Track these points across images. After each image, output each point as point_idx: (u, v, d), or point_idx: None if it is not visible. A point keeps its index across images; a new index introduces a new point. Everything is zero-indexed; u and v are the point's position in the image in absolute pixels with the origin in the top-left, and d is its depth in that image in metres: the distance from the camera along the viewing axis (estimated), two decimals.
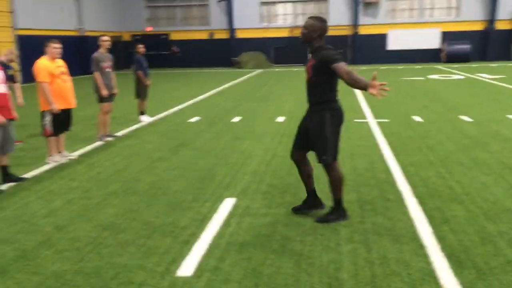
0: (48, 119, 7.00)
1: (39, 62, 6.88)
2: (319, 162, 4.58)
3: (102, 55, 8.71)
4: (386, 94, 3.97)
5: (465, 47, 29.63)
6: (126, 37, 33.67)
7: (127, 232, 4.53)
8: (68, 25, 26.67)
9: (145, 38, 32.26)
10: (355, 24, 31.61)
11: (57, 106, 6.95)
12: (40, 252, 4.14)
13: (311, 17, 4.53)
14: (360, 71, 25.38)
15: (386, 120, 10.12)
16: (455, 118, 10.13)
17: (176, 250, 4.12)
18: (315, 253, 3.97)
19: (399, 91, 15.63)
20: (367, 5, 31.40)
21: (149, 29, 33.79)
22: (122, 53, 32.00)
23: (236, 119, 10.88)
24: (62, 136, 7.42)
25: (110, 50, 8.95)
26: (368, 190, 5.58)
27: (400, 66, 28.47)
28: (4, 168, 6.12)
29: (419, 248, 4.01)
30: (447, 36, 30.78)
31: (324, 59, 4.33)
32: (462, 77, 20.47)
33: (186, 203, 5.32)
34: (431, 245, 4.04)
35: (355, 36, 31.72)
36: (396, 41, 31.68)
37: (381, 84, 3.93)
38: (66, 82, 7.17)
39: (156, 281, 3.58)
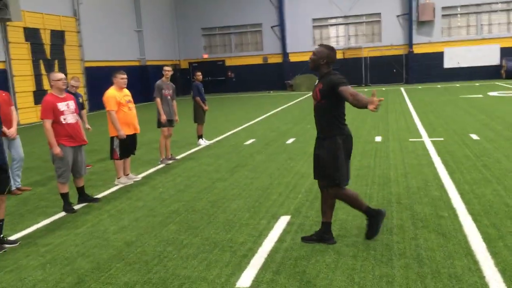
0: (116, 144, 7.59)
1: (108, 92, 7.52)
2: (330, 185, 4.64)
3: (164, 83, 9.30)
4: (377, 110, 4.07)
5: None
6: (184, 64, 35.08)
7: (189, 247, 4.87)
8: (130, 56, 28.23)
9: (202, 65, 33.52)
10: (409, 43, 31.27)
11: (124, 132, 7.52)
12: (112, 265, 4.54)
13: (320, 45, 4.72)
14: (416, 90, 25.01)
15: (441, 139, 10.03)
16: None
17: (235, 263, 4.40)
18: (367, 268, 4.12)
19: (455, 109, 15.35)
20: (422, 23, 31.05)
21: (205, 56, 35.05)
22: (180, 80, 33.39)
23: (290, 140, 11.15)
24: (128, 160, 7.98)
25: (169, 77, 9.53)
26: (422, 207, 5.64)
27: (458, 84, 27.78)
28: (80, 190, 6.70)
29: (473, 263, 4.06)
30: (506, 52, 29.78)
31: (331, 83, 4.49)
32: None
33: (244, 220, 5.61)
34: (484, 260, 4.09)
35: (410, 55, 31.34)
36: (453, 58, 30.99)
37: (379, 100, 4.04)
38: (132, 110, 7.75)
39: None
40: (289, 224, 5.38)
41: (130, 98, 7.77)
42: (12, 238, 5.39)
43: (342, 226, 5.19)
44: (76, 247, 5.07)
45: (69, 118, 6.33)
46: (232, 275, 4.16)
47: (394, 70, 31.89)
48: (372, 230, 4.75)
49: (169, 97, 9.34)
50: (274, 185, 7.15)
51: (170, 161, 9.50)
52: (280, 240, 4.90)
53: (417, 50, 31.30)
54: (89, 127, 9.33)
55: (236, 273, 4.18)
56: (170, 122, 9.41)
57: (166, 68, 9.41)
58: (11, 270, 4.56)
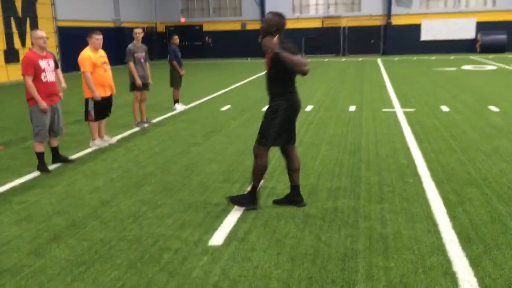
0: (91, 105, 7.56)
1: (83, 53, 7.43)
2: (257, 142, 4.78)
3: (136, 46, 9.20)
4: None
5: (501, 37, 29.05)
6: (161, 28, 34.44)
7: (164, 207, 5.00)
8: (105, 17, 27.52)
9: (179, 29, 32.96)
10: (388, 14, 31.35)
11: (99, 93, 7.49)
12: (88, 222, 4.65)
13: (269, 12, 4.74)
14: (392, 62, 25.28)
15: (412, 110, 10.30)
16: (483, 108, 10.22)
17: (208, 223, 4.56)
18: (334, 228, 4.33)
19: (429, 82, 15.66)
20: None
21: (182, 20, 34.43)
22: (157, 44, 32.83)
23: (266, 107, 11.24)
24: (103, 122, 7.97)
25: (145, 41, 9.43)
26: (389, 174, 5.87)
27: (433, 57, 28.17)
28: (54, 150, 6.71)
29: (432, 226, 4.31)
30: (482, 26, 30.21)
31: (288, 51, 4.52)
32: (495, 67, 20.20)
33: (218, 183, 5.76)
34: (443, 223, 4.35)
35: (388, 27, 31.47)
36: (430, 31, 31.28)
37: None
38: (107, 71, 7.70)
39: (190, 248, 4.02)
40: (261, 187, 5.54)
41: (105, 59, 7.70)
42: None
43: (312, 189, 5.38)
44: (51, 205, 5.14)
45: (49, 76, 6.31)
46: (205, 233, 4.32)
47: (372, 41, 32.03)
48: (236, 198, 4.92)
49: (142, 60, 9.27)
50: (248, 151, 7.25)
51: (146, 124, 9.52)
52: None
53: (395, 21, 31.44)
54: (65, 85, 9.21)
55: (209, 232, 4.34)
56: (144, 86, 9.38)
57: (136, 30, 9.30)
58: None
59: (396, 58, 28.57)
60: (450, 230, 4.21)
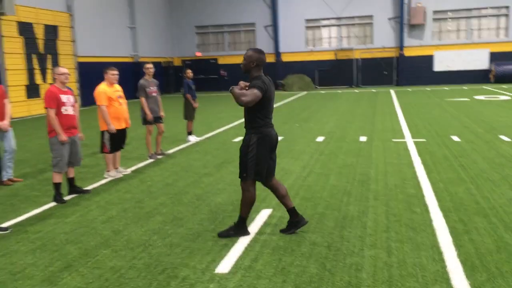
0: (106, 137, 7.81)
1: (99, 87, 7.74)
2: (240, 177, 4.98)
3: (148, 81, 9.50)
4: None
5: None
6: (177, 62, 35.25)
7: (173, 237, 5.12)
8: (123, 52, 28.36)
9: (195, 63, 33.71)
10: (400, 46, 31.68)
11: (114, 126, 7.74)
12: (99, 251, 4.78)
13: (249, 49, 4.97)
14: (406, 92, 25.39)
15: (423, 140, 10.35)
16: (494, 138, 10.23)
17: (216, 251, 4.66)
18: (339, 257, 4.39)
19: (441, 112, 15.71)
20: (413, 27, 31.45)
21: (198, 54, 35.23)
22: (173, 77, 33.56)
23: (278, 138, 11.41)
24: (118, 153, 8.20)
25: (162, 74, 9.74)
26: (396, 204, 5.93)
27: (447, 87, 28.23)
28: (70, 181, 6.93)
29: (437, 254, 4.35)
30: (496, 57, 30.28)
31: (250, 86, 4.77)
32: (509, 98, 20.17)
33: (227, 213, 5.87)
34: (448, 252, 4.38)
35: (401, 58, 31.75)
36: (443, 62, 31.44)
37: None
38: (122, 105, 7.98)
39: (197, 276, 4.12)
40: (270, 217, 5.65)
41: (121, 93, 7.99)
42: (4, 225, 5.60)
43: (320, 219, 5.46)
44: (65, 234, 5.30)
45: (70, 109, 6.60)
46: (213, 261, 4.41)
47: (385, 72, 32.28)
48: (225, 232, 5.06)
49: (154, 94, 9.55)
50: (258, 183, 7.39)
51: (160, 156, 9.74)
52: (260, 232, 5.17)
53: (407, 53, 31.71)
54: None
55: (216, 260, 4.44)
56: (157, 119, 9.63)
57: (147, 65, 9.62)
58: (2, 254, 4.78)
59: (409, 88, 28.69)
60: (455, 258, 4.24)
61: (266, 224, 5.41)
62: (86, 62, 24.35)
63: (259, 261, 4.37)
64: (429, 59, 31.64)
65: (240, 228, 5.04)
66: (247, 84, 4.83)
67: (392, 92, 26.58)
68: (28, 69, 20.70)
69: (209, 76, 34.31)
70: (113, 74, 7.77)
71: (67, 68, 6.95)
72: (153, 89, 9.52)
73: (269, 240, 4.90)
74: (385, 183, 6.97)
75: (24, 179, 8.11)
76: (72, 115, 6.67)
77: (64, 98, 6.55)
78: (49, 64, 21.86)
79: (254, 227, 5.30)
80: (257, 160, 4.85)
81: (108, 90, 7.73)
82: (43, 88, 21.45)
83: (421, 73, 31.52)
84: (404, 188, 6.63)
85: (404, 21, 31.22)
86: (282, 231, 5.12)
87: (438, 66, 31.65)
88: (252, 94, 4.64)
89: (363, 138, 10.98)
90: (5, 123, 7.32)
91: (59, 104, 6.50)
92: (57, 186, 6.65)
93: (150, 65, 9.62)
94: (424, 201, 5.97)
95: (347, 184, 6.98)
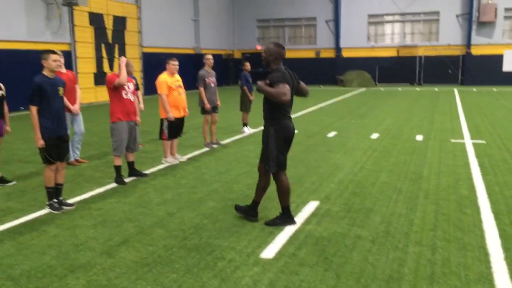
0: (165, 125, 8.20)
1: (160, 77, 8.13)
2: (265, 170, 5.11)
3: (207, 72, 9.81)
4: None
5: None
6: (237, 54, 35.75)
7: (223, 222, 5.36)
8: (186, 44, 29.15)
9: (254, 56, 34.04)
10: (467, 44, 30.42)
11: (173, 114, 8.11)
12: (154, 230, 5.11)
13: (270, 42, 5.09)
14: (470, 93, 24.42)
15: (483, 142, 10.03)
16: None
17: (262, 238, 4.85)
18: (383, 251, 4.45)
19: (506, 114, 15.05)
20: (482, 24, 30.09)
21: (258, 47, 35.55)
22: (233, 69, 34.10)
23: (332, 134, 11.45)
24: (175, 141, 8.58)
25: (222, 66, 10.02)
26: (447, 204, 5.86)
27: None
28: (130, 164, 7.36)
29: (483, 255, 4.31)
30: None
31: (270, 79, 4.91)
32: None
33: (275, 203, 6.01)
34: (495, 254, 4.32)
35: (467, 56, 30.50)
36: None
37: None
38: (181, 94, 8.33)
39: (242, 259, 4.33)
40: (317, 208, 5.77)
41: (180, 83, 8.34)
42: (70, 201, 6.08)
43: (367, 214, 5.51)
44: (124, 213, 5.68)
45: (129, 95, 7.00)
46: (258, 247, 4.61)
47: (449, 71, 31.15)
48: (272, 220, 5.19)
49: (212, 85, 9.85)
50: (309, 174, 7.53)
51: (215, 146, 10.06)
52: (306, 222, 5.30)
53: (475, 51, 30.41)
54: (143, 107, 10.02)
55: (262, 246, 4.63)
56: (213, 109, 9.94)
57: (208, 56, 9.91)
58: (67, 228, 5.21)
59: (474, 89, 27.56)
60: (502, 261, 4.18)
61: (313, 215, 5.53)
62: (150, 52, 25.27)
63: (303, 250, 4.52)
64: (498, 59, 30.19)
65: (286, 217, 5.21)
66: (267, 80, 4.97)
67: (455, 91, 25.65)
68: (96, 57, 21.81)
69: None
70: (174, 64, 8.13)
71: (132, 58, 7.34)
72: (211, 80, 9.83)
73: (314, 230, 5.02)
74: (438, 182, 6.88)
75: (89, 161, 8.68)
76: (131, 101, 7.04)
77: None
78: (116, 53, 22.91)
79: (300, 217, 5.43)
80: (277, 151, 5.02)
81: (169, 80, 8.10)
82: None
83: (488, 73, 30.15)
84: (457, 188, 6.52)
85: (473, 18, 29.94)
86: (266, 222, 5.25)
87: (508, 66, 30.14)
88: (285, 89, 4.78)
89: (419, 137, 10.77)
90: (76, 107, 7.87)
91: (119, 89, 6.89)
92: (117, 168, 7.09)
93: (210, 56, 9.93)
94: (477, 203, 5.86)
95: (397, 182, 6.95)
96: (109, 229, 5.14)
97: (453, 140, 10.32)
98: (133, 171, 7.41)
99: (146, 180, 7.26)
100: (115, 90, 6.86)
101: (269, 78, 4.97)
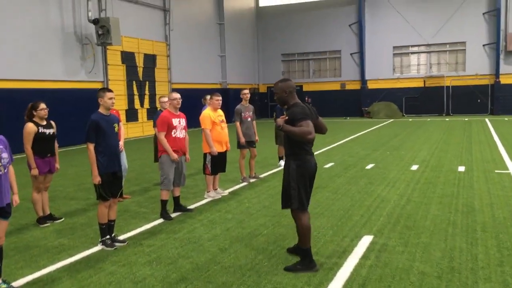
0: (208, 159, 8.23)
1: (204, 112, 8.24)
2: (284, 207, 4.89)
3: (244, 106, 9.88)
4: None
5: None
6: (262, 88, 36.11)
7: (278, 257, 5.26)
8: (213, 79, 29.63)
9: None
10: (496, 73, 30.10)
11: (216, 149, 8.14)
12: (210, 267, 5.03)
13: (277, 81, 4.94)
14: (503, 122, 23.99)
15: None
16: None
17: (322, 275, 4.72)
18: None
19: None
20: (510, 53, 29.82)
21: None
22: (258, 103, 34.37)
23: (370, 165, 11.30)
24: (217, 176, 8.58)
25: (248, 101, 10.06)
26: (508, 237, 5.64)
27: None
28: (176, 199, 7.37)
29: None
30: None
31: (292, 115, 4.67)
32: None
33: (328, 237, 5.93)
34: None
35: (496, 85, 30.13)
36: None
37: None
38: (224, 129, 8.39)
39: None
40: (372, 243, 5.62)
41: (223, 118, 8.42)
42: (120, 238, 6.07)
43: (426, 249, 5.34)
44: (176, 249, 5.63)
45: (179, 133, 7.06)
46: (320, 284, 4.48)
47: (479, 100, 30.77)
48: (293, 266, 4.86)
49: (249, 119, 9.89)
50: (355, 207, 7.40)
51: (253, 180, 10.02)
52: (364, 257, 5.16)
53: (504, 80, 30.02)
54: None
55: (324, 283, 4.50)
56: (250, 143, 9.96)
57: (244, 91, 10.00)
58: (123, 264, 5.19)
59: (506, 118, 27.07)
60: None
61: (369, 249, 5.39)
62: (180, 88, 25.71)
63: (368, 287, 4.37)
64: None
65: (308, 262, 4.83)
66: (285, 116, 4.76)
67: (487, 120, 25.24)
68: (128, 95, 22.28)
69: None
70: (217, 100, 8.23)
71: (163, 94, 7.42)
72: (248, 114, 9.90)
73: (375, 266, 4.88)
74: (492, 215, 6.66)
75: (132, 196, 8.73)
76: (181, 137, 7.11)
77: (175, 121, 7.03)
78: (146, 90, 23.39)
79: (358, 252, 5.30)
80: (298, 188, 4.79)
81: (212, 115, 8.18)
82: (141, 113, 22.95)
83: None
84: None
85: (501, 47, 29.71)
86: (289, 250, 5.16)
87: None
88: (310, 127, 4.55)
89: (461, 168, 10.55)
90: (121, 143, 7.97)
91: (170, 128, 6.98)
92: (163, 203, 7.09)
93: (247, 91, 10.03)
94: None
95: (449, 214, 6.76)
96: (164, 266, 5.09)
97: (497, 171, 10.06)
98: (178, 207, 7.40)
99: (192, 215, 7.23)
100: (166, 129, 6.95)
101: (289, 114, 4.75)
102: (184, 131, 7.16)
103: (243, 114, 9.83)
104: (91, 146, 5.49)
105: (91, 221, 6.95)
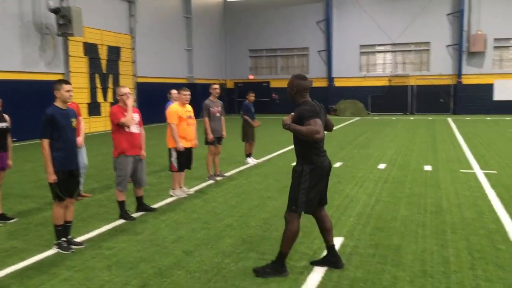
0: (174, 156, 7.90)
1: (171, 107, 7.92)
2: (287, 209, 4.64)
3: (212, 101, 9.60)
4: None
5: None
6: (230, 84, 35.77)
7: (246, 260, 5.02)
8: (179, 74, 29.08)
9: (247, 86, 34.05)
10: (458, 74, 30.80)
11: (182, 145, 7.83)
12: (174, 272, 4.75)
13: (292, 76, 4.71)
14: (464, 121, 24.55)
15: (494, 172, 9.86)
16: None
17: (292, 279, 4.52)
18: None
19: (508, 143, 15.00)
20: (472, 54, 30.55)
21: (251, 77, 35.64)
22: (226, 99, 34.02)
23: (337, 164, 11.21)
24: (183, 173, 8.26)
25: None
26: (478, 239, 5.59)
27: (508, 117, 27.06)
28: (139, 199, 7.01)
29: None
30: None
31: (300, 114, 4.48)
32: None
33: (298, 239, 5.70)
34: None
35: (459, 86, 30.84)
36: (504, 91, 30.27)
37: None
38: (190, 126, 8.07)
39: None
40: (343, 245, 5.46)
41: (191, 114, 8.11)
42: (78, 240, 5.69)
43: (397, 251, 5.22)
44: (138, 252, 5.31)
45: (133, 128, 6.68)
46: None
47: (441, 100, 31.41)
48: (262, 268, 4.63)
49: (217, 114, 9.63)
50: (328, 209, 7.22)
51: (219, 178, 9.74)
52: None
53: (466, 80, 30.75)
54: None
55: None
56: (218, 139, 9.69)
57: (214, 86, 9.72)
58: (79, 269, 4.83)
59: (467, 117, 27.73)
60: None
61: (340, 252, 5.19)
62: (144, 82, 25.09)
63: None
64: (489, 88, 30.55)
65: (279, 266, 4.61)
66: (293, 115, 4.54)
67: (450, 120, 25.76)
68: (90, 88, 21.53)
69: (260, 99, 34.52)
70: (185, 94, 7.92)
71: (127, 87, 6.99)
72: (217, 109, 9.62)
73: (346, 270, 4.71)
74: (461, 215, 6.63)
75: (92, 195, 8.30)
76: (136, 133, 6.73)
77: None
78: (110, 84, 22.69)
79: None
80: (309, 192, 4.54)
81: (180, 110, 7.86)
82: (104, 106, 22.24)
83: (480, 102, 30.44)
84: (483, 222, 6.27)
85: (463, 48, 30.40)
86: (312, 263, 4.87)
87: (499, 95, 30.49)
88: (318, 125, 4.33)
89: (428, 167, 10.58)
90: (80, 139, 7.54)
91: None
92: (121, 204, 6.72)
93: (217, 86, 9.75)
94: (508, 238, 5.61)
95: (419, 215, 6.69)
96: (124, 271, 4.77)
97: (462, 171, 10.14)
98: (141, 206, 7.05)
99: (155, 215, 6.90)
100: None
101: (296, 112, 4.54)
102: (138, 126, 6.77)
103: (211, 109, 9.55)
104: (46, 143, 5.09)
105: (47, 222, 6.51)
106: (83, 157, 7.94)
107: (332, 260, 4.80)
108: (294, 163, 4.76)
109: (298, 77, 4.69)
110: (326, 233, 4.83)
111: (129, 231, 6.12)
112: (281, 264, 4.64)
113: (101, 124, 21.74)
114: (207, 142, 9.55)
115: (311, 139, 4.40)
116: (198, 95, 27.17)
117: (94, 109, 21.56)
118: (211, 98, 9.68)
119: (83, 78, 21.05)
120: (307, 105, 4.54)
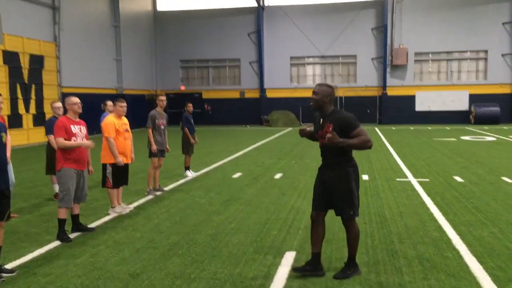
0: (109, 171, 7.43)
1: (107, 118, 7.44)
2: (344, 216, 4.80)
3: (158, 113, 9.27)
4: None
5: (495, 109, 29.85)
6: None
7: (198, 281, 4.76)
8: (108, 84, 28.01)
9: (178, 97, 33.50)
10: (383, 86, 32.27)
11: (121, 159, 7.39)
12: None
13: (320, 84, 4.86)
14: (391, 131, 25.66)
15: (426, 180, 10.27)
16: (497, 180, 10.21)
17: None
18: None
19: (433, 152, 15.80)
20: (395, 67, 32.18)
21: (182, 88, 35.13)
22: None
23: (278, 175, 11.18)
24: (121, 189, 7.81)
25: (146, 107, 9.46)
26: (425, 248, 5.71)
27: (430, 127, 28.68)
28: (74, 218, 6.50)
29: None
30: (475, 99, 31.13)
31: (345, 123, 4.61)
32: (495, 138, 20.54)
33: (249, 255, 5.54)
34: None
35: (384, 97, 32.30)
36: (425, 102, 32.14)
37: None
38: (127, 140, 7.65)
39: None
40: (296, 260, 5.35)
41: (127, 127, 7.69)
42: (8, 267, 5.14)
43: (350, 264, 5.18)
44: (79, 278, 4.87)
45: (80, 141, 6.26)
46: None
47: (368, 111, 32.71)
48: (341, 273, 4.86)
49: (162, 127, 9.32)
50: (272, 220, 7.13)
51: (158, 192, 9.35)
52: (291, 276, 4.86)
53: (390, 92, 32.29)
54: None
55: None
56: (161, 152, 9.34)
57: (161, 97, 9.40)
58: None
59: (393, 127, 29.06)
60: None
61: (294, 268, 5.09)
62: (71, 92, 23.84)
63: None
64: (411, 99, 32.28)
65: (353, 265, 4.87)
66: (329, 125, 4.62)
67: (377, 130, 26.83)
68: (11, 98, 20.09)
69: (193, 110, 34.08)
70: (121, 106, 7.50)
71: (50, 99, 6.61)
72: (162, 122, 9.30)
73: (303, 287, 4.58)
74: (404, 224, 6.77)
75: (20, 215, 7.62)
76: (83, 148, 6.31)
77: (75, 128, 6.21)
78: (32, 94, 21.33)
79: (283, 272, 4.98)
80: (358, 195, 4.83)
81: (117, 122, 7.42)
82: (26, 119, 20.84)
83: (403, 113, 32.06)
84: (426, 230, 6.44)
85: (387, 61, 31.94)
86: (336, 276, 4.83)
87: (420, 106, 32.32)
88: (366, 133, 4.59)
89: (365, 177, 10.82)
90: (7, 155, 6.87)
91: (69, 135, 6.15)
92: (61, 222, 6.22)
93: (163, 97, 9.44)
94: (453, 245, 5.77)
95: (365, 225, 6.75)
96: None
97: (398, 179, 10.47)
98: (77, 226, 6.54)
99: (93, 236, 6.42)
100: (65, 135, 6.11)
101: (337, 122, 4.61)
102: (85, 140, 6.34)
103: (157, 121, 9.20)
104: None
105: None
106: (11, 174, 7.28)
107: (354, 269, 4.90)
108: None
109: (330, 86, 4.83)
110: (322, 240, 4.96)
111: (66, 255, 5.62)
112: (354, 263, 4.88)
113: (23, 138, 20.32)
114: (151, 155, 9.15)
115: (364, 149, 4.62)
116: (128, 106, 26.35)
117: (15, 121, 20.10)
118: (157, 109, 9.35)
119: (3, 88, 19.57)
120: (347, 113, 4.72)
